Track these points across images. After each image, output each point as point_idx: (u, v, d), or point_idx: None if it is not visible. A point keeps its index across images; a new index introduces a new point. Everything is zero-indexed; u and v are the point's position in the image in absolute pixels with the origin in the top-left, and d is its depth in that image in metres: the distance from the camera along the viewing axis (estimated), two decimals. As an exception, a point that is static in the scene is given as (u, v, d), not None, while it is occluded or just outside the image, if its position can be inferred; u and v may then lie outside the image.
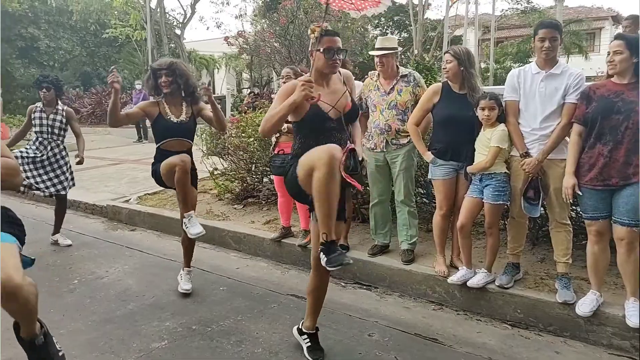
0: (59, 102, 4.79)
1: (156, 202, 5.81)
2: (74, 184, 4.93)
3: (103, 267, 4.18)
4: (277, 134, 4.09)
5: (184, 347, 2.88)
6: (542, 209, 3.17)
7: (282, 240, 4.34)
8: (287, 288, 3.74)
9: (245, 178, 5.42)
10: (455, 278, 3.32)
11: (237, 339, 2.96)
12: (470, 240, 3.33)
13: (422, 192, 4.49)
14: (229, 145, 5.28)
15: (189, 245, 3.69)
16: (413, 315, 3.31)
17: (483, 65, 24.16)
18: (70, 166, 4.83)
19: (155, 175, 3.62)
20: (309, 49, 2.54)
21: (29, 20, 19.77)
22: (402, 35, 27.91)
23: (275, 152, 4.12)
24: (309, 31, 2.50)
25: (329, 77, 2.59)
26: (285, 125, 4.04)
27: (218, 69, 25.64)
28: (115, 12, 20.11)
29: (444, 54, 3.38)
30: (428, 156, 3.41)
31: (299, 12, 7.13)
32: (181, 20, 20.81)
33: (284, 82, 4.12)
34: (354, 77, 2.93)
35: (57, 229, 4.88)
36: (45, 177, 4.66)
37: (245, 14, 11.36)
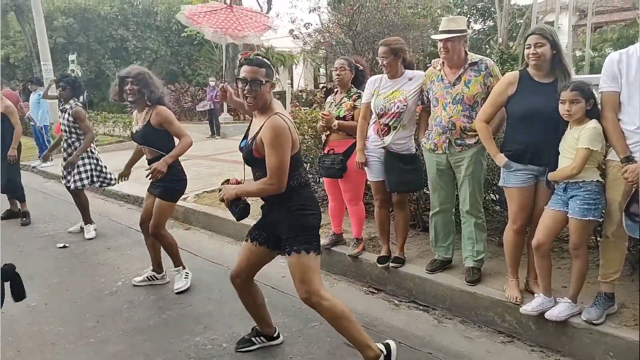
0: (72, 101, 4.87)
1: (212, 201, 5.69)
2: (82, 185, 4.93)
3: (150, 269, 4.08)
4: (327, 132, 3.72)
5: (210, 368, 2.62)
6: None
7: (332, 248, 3.97)
8: (333, 304, 3.36)
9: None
10: (529, 307, 2.75)
11: (268, 362, 2.65)
12: (549, 262, 2.74)
13: (494, 197, 3.88)
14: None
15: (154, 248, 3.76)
16: (476, 348, 2.79)
17: (578, 53, 21.96)
18: (85, 165, 4.92)
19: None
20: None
21: (119, 23, 21.10)
22: (486, 24, 26.23)
23: (325, 151, 3.75)
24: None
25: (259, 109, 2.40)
26: (336, 121, 3.67)
27: (296, 64, 25.75)
28: (197, 12, 20.83)
29: (529, 36, 2.73)
30: (500, 159, 2.84)
31: (363, 0, 6.69)
32: (257, 17, 21.10)
33: (338, 75, 3.74)
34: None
35: (84, 219, 5.12)
36: (64, 172, 4.97)
37: (319, 7, 11.17)
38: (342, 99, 3.74)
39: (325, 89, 11.36)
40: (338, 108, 3.72)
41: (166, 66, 23.53)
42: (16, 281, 1.65)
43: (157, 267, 3.77)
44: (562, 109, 2.52)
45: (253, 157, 2.37)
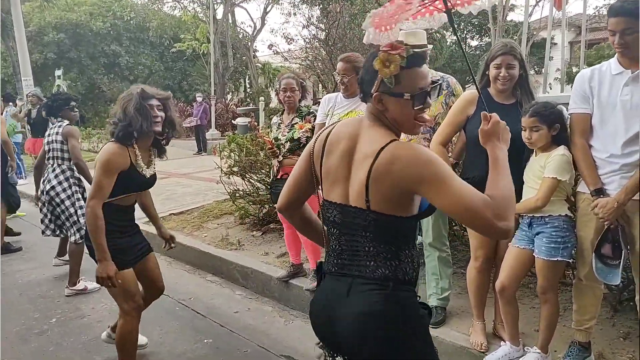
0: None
1: (177, 224, 5.37)
2: (78, 237, 3.94)
3: (90, 303, 3.74)
4: (280, 157, 3.42)
5: None
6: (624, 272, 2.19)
7: (290, 281, 3.64)
8: (283, 346, 3.03)
9: (267, 201, 4.80)
10: (494, 358, 2.42)
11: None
12: (515, 308, 2.41)
13: (463, 226, 3.56)
14: (247, 165, 4.69)
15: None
16: (435, 402, 2.44)
17: (575, 69, 21.78)
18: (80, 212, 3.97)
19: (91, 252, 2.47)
20: (373, 89, 1.39)
21: (111, 38, 21.03)
22: (483, 40, 26.16)
23: (279, 176, 3.44)
24: (378, 62, 1.38)
25: None
26: (290, 144, 3.38)
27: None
28: (191, 27, 20.77)
29: (498, 55, 2.36)
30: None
31: (341, 15, 6.45)
32: (251, 33, 21.02)
33: (288, 97, 3.44)
34: None
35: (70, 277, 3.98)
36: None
37: (313, 23, 10.96)
38: (292, 119, 3.45)
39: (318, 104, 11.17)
40: (290, 130, 3.42)
41: (162, 81, 23.42)
42: None
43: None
44: (523, 136, 2.22)
45: None
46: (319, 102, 3.54)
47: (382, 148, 1.32)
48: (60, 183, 3.99)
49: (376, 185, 1.33)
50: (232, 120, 14.91)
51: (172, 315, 3.51)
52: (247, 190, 5.02)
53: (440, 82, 2.90)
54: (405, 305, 1.35)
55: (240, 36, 21.06)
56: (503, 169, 1.36)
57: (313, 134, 3.40)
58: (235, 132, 12.24)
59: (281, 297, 3.70)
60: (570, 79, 18.85)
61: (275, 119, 3.69)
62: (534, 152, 2.29)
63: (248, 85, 24.64)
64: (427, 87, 1.39)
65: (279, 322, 3.42)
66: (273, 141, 3.51)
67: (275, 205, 3.72)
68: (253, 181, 4.93)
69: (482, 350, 2.53)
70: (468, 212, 1.22)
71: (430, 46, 2.96)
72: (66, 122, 4.10)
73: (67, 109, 4.15)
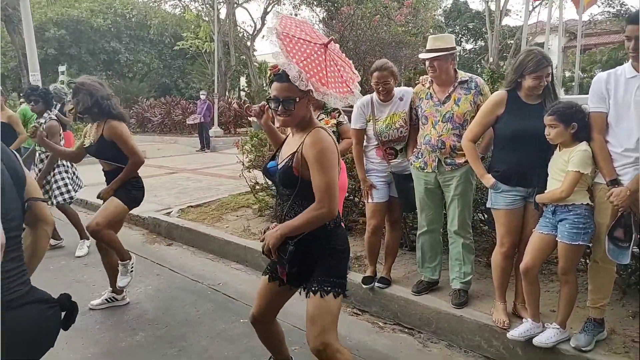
0: (47, 114, 4.72)
1: (196, 216, 5.57)
2: (64, 200, 4.78)
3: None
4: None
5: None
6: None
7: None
8: (316, 326, 3.24)
9: (286, 194, 5.01)
10: (516, 333, 2.66)
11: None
12: (538, 287, 2.65)
13: (483, 217, 3.81)
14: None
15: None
16: (462, 374, 2.68)
17: (568, 74, 22.24)
18: (64, 179, 4.80)
19: None
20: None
21: (111, 35, 21.08)
22: (477, 44, 26.61)
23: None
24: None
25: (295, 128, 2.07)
26: None
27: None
28: (192, 26, 20.90)
29: (540, 67, 2.58)
30: (488, 180, 2.77)
31: (355, 18, 6.69)
32: (251, 32, 21.19)
33: None
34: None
35: (79, 234, 4.92)
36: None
37: (313, 24, 11.21)
38: (319, 115, 3.66)
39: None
40: None
41: (159, 79, 23.49)
42: (72, 311, 1.61)
43: (116, 287, 3.53)
44: (545, 132, 2.47)
45: (292, 176, 1.96)
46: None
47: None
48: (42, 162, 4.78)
49: None
50: (248, 117, 15.12)
51: (206, 299, 3.71)
52: (267, 183, 5.23)
53: (468, 81, 3.12)
54: None
55: (240, 35, 21.21)
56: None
57: (338, 130, 3.63)
58: (250, 128, 12.40)
59: (307, 283, 3.91)
60: (563, 83, 19.27)
61: None
62: (558, 148, 2.54)
63: (246, 85, 24.80)
64: (278, 97, 1.95)
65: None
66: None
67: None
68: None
69: (504, 327, 2.77)
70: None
71: (458, 48, 3.20)
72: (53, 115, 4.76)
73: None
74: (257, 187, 5.29)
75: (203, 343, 3.00)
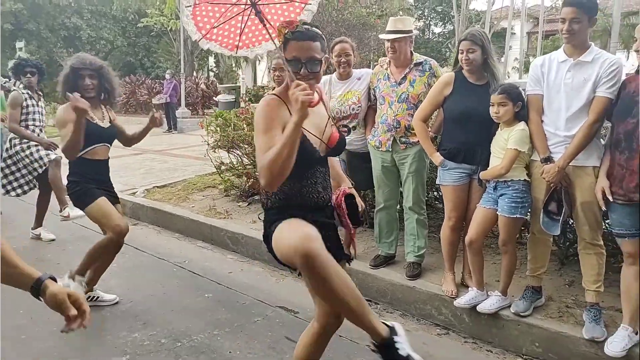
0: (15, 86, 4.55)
1: (162, 196, 5.59)
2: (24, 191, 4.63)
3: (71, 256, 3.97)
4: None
5: (145, 364, 2.59)
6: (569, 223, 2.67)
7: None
8: (277, 299, 3.39)
9: (252, 174, 5.10)
10: (463, 301, 2.87)
11: (207, 358, 2.65)
12: (481, 258, 2.86)
13: (437, 195, 4.01)
14: (235, 138, 4.97)
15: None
16: (413, 339, 2.80)
17: (532, 59, 22.83)
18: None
19: (77, 199, 3.03)
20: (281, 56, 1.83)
21: (72, 10, 20.29)
22: (446, 27, 26.88)
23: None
24: (277, 32, 1.81)
25: None
26: None
27: (259, 60, 25.55)
28: (157, 2, 20.34)
29: (460, 41, 2.85)
30: (436, 158, 2.94)
31: (321, -1, 6.76)
32: (219, 11, 20.76)
33: (277, 76, 3.75)
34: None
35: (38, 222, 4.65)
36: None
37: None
38: None
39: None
40: None
41: (123, 57, 22.82)
42: None
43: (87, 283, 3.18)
44: (492, 111, 2.64)
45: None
46: None
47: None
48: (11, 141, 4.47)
49: None
50: (214, 97, 14.92)
51: (172, 276, 3.80)
52: (232, 163, 5.29)
53: (423, 63, 3.28)
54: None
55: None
56: (283, 137, 1.62)
57: None
58: (215, 109, 12.31)
59: (271, 259, 3.93)
60: (527, 67, 19.80)
61: None
62: (500, 127, 2.72)
63: (214, 65, 24.38)
64: (302, 58, 1.73)
65: (271, 280, 3.78)
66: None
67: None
68: (238, 154, 5.21)
69: (452, 296, 2.98)
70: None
71: (416, 32, 3.34)
72: (20, 87, 4.46)
73: (20, 75, 4.46)
74: (223, 167, 5.34)
75: (168, 317, 3.10)
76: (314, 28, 1.79)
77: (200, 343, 2.79)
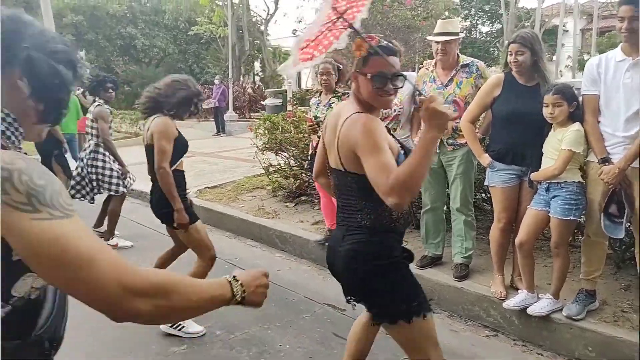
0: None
1: (213, 197, 5.82)
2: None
3: (148, 261, 4.20)
4: (319, 133, 3.83)
5: (202, 353, 2.74)
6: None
7: (327, 244, 4.06)
8: (325, 297, 3.47)
9: (298, 175, 5.22)
10: (512, 302, 2.85)
11: (258, 350, 2.76)
12: (532, 260, 2.83)
13: (485, 196, 3.97)
14: (282, 141, 5.11)
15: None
16: (461, 341, 2.89)
17: (586, 56, 21.87)
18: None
19: (165, 216, 2.94)
20: (352, 69, 1.80)
21: (127, 20, 21.31)
22: (494, 26, 26.22)
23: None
24: (353, 46, 1.74)
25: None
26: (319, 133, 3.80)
27: (303, 64, 25.86)
28: (206, 10, 21.05)
29: (510, 43, 2.83)
30: (484, 159, 2.94)
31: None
32: (264, 17, 21.22)
33: (325, 80, 3.84)
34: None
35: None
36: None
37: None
38: (330, 99, 3.85)
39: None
40: (328, 109, 3.83)
41: (174, 64, 23.68)
42: None
43: None
44: (546, 112, 2.61)
45: None
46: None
47: (347, 118, 1.72)
48: (91, 154, 4.56)
49: (342, 149, 1.75)
50: (261, 101, 15.26)
51: (224, 272, 3.84)
52: (280, 165, 5.44)
53: (469, 65, 3.28)
54: (380, 247, 1.78)
55: (254, 20, 21.28)
56: (418, 154, 1.52)
57: None
58: (264, 112, 12.60)
59: (317, 259, 4.14)
60: (581, 66, 18.99)
61: (314, 100, 4.10)
62: (553, 128, 2.68)
63: (260, 69, 24.91)
64: (388, 73, 1.70)
65: (318, 278, 3.87)
66: (313, 119, 3.92)
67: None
68: (285, 157, 5.35)
69: (501, 298, 2.96)
70: (373, 184, 1.58)
71: (462, 35, 3.34)
72: (102, 102, 4.54)
73: (101, 90, 4.55)
74: (271, 168, 5.50)
75: (221, 310, 3.23)
76: (393, 41, 1.79)
77: (252, 336, 2.91)
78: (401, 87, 1.81)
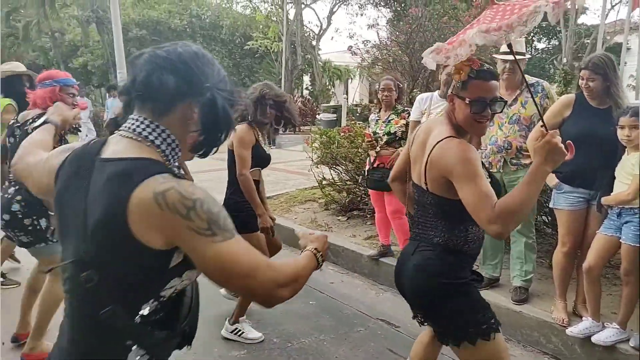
0: None
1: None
2: None
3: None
4: (378, 148, 3.89)
5: (260, 359, 2.81)
6: None
7: (380, 259, 4.09)
8: (378, 312, 3.49)
9: (352, 189, 5.28)
10: (576, 330, 2.76)
11: (315, 360, 2.82)
12: (599, 287, 2.74)
13: (546, 219, 3.87)
14: (338, 155, 5.19)
15: None
16: (520, 366, 2.82)
17: (651, 76, 20.78)
18: None
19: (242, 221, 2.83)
20: (449, 91, 1.82)
21: (187, 35, 22.31)
22: (550, 43, 25.46)
23: (375, 165, 3.91)
24: (453, 69, 1.78)
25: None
26: (387, 137, 3.85)
27: (352, 79, 26.13)
28: (260, 26, 21.74)
29: (581, 70, 2.80)
30: (551, 179, 2.88)
31: (423, 20, 6.82)
32: (317, 32, 21.67)
33: (386, 96, 3.90)
34: None
35: None
36: None
37: (378, 24, 11.45)
38: (389, 116, 3.91)
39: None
40: (387, 125, 3.88)
41: (228, 77, 24.54)
42: None
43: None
44: (622, 134, 2.55)
45: None
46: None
47: (439, 142, 1.75)
48: None
49: (430, 171, 1.78)
50: (317, 116, 15.55)
51: (278, 281, 4.05)
52: (333, 179, 5.52)
53: (535, 84, 3.25)
54: (450, 266, 1.81)
55: (306, 35, 21.76)
56: (529, 185, 1.54)
57: (407, 129, 3.84)
58: (313, 127, 12.85)
59: (370, 273, 4.16)
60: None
61: (372, 116, 4.17)
62: (626, 152, 2.61)
63: (309, 83, 25.32)
64: (488, 98, 1.71)
65: (371, 293, 3.89)
66: (372, 134, 3.98)
67: (370, 191, 4.18)
68: (339, 171, 5.42)
69: (563, 325, 2.87)
70: (472, 210, 1.61)
71: (527, 55, 3.32)
72: None
73: None
74: (324, 182, 5.59)
75: (278, 318, 3.33)
76: (492, 68, 1.81)
77: (309, 346, 2.97)
78: (499, 112, 1.83)
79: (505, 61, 3.20)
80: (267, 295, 1.05)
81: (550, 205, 3.00)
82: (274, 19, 19.96)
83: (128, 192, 0.95)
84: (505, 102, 1.77)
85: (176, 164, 1.10)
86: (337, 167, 5.41)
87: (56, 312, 2.68)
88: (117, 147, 1.05)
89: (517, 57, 3.15)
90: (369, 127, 4.15)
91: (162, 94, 1.02)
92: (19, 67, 4.07)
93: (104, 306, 0.97)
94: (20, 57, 23.27)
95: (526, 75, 3.29)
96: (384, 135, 3.91)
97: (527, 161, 3.16)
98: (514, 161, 3.22)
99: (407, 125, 3.88)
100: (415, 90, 6.63)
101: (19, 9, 21.84)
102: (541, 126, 1.71)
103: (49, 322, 2.69)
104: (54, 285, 2.68)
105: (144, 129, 1.04)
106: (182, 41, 1.12)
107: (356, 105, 19.69)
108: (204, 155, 1.14)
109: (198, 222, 0.96)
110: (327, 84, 24.37)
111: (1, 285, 3.78)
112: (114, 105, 9.69)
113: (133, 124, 1.05)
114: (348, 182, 5.34)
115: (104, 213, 0.96)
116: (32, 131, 1.62)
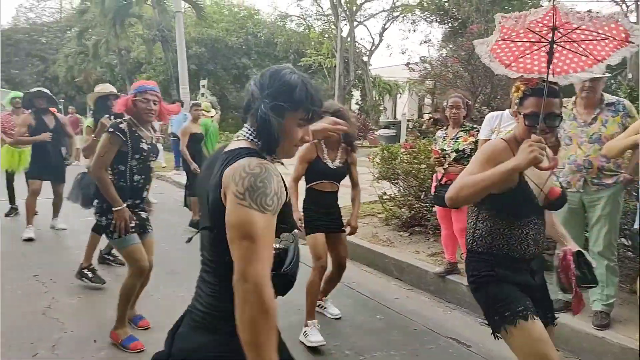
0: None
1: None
2: None
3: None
4: (446, 165, 3.88)
5: (334, 371, 2.85)
6: None
7: (447, 277, 4.04)
8: (448, 330, 3.44)
9: (413, 205, 5.27)
10: (667, 359, 2.62)
11: (388, 375, 2.82)
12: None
13: (626, 243, 3.70)
14: (400, 171, 5.20)
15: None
16: (603, 394, 2.71)
17: None
18: None
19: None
20: (512, 108, 2.03)
21: (242, 52, 23.15)
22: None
23: (443, 182, 3.89)
24: (513, 89, 1.95)
25: None
26: (455, 155, 3.83)
27: (401, 94, 26.10)
28: (312, 43, 22.21)
29: None
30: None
31: (485, 36, 6.75)
32: (369, 48, 21.86)
33: (454, 113, 3.89)
34: None
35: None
36: None
37: (430, 40, 11.46)
38: (457, 133, 3.90)
39: (432, 119, 11.59)
40: (455, 142, 3.87)
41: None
42: None
43: None
44: None
45: None
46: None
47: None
48: None
49: None
50: (375, 132, 15.76)
51: (343, 295, 4.08)
52: (395, 194, 5.53)
53: (615, 103, 3.16)
54: (470, 263, 2.05)
55: (358, 51, 22.00)
56: (491, 174, 1.75)
57: (476, 147, 3.81)
58: (365, 142, 12.97)
59: (436, 291, 4.12)
60: None
61: (439, 133, 4.17)
62: None
63: (360, 99, 25.48)
64: (539, 113, 1.81)
65: (438, 310, 3.84)
66: (439, 151, 3.98)
67: (437, 207, 4.16)
68: (400, 187, 5.42)
69: (651, 354, 2.73)
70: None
71: (607, 74, 3.24)
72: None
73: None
74: (385, 197, 5.61)
75: (347, 331, 3.37)
76: (553, 85, 1.87)
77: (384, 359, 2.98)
78: (557, 127, 1.93)
79: (584, 80, 3.14)
80: (254, 284, 1.20)
81: (635, 227, 2.89)
82: (327, 35, 20.35)
83: (224, 168, 1.27)
84: (561, 117, 1.89)
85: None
86: (398, 183, 5.42)
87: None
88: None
89: (601, 75, 3.11)
90: (435, 143, 4.15)
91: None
92: (107, 88, 4.64)
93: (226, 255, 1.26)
94: (89, 73, 24.99)
95: (605, 94, 3.23)
96: (452, 152, 3.90)
97: (609, 181, 3.07)
98: (595, 181, 3.13)
99: (476, 142, 3.86)
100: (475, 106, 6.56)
101: (89, 29, 23.45)
102: (542, 126, 1.81)
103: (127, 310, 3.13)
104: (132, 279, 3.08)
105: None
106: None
107: (408, 120, 19.62)
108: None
109: (239, 187, 1.22)
110: (377, 99, 24.45)
111: (90, 280, 4.08)
112: (178, 120, 10.14)
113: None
114: (409, 198, 5.33)
115: (214, 185, 1.29)
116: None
